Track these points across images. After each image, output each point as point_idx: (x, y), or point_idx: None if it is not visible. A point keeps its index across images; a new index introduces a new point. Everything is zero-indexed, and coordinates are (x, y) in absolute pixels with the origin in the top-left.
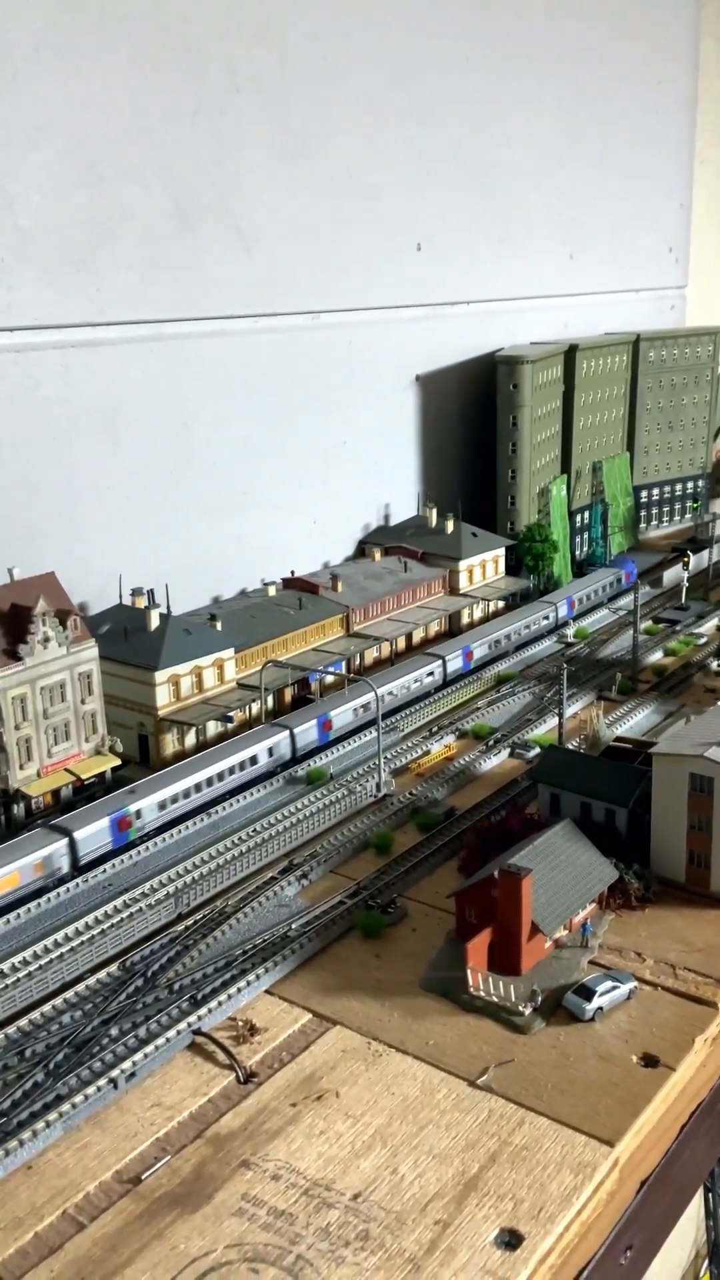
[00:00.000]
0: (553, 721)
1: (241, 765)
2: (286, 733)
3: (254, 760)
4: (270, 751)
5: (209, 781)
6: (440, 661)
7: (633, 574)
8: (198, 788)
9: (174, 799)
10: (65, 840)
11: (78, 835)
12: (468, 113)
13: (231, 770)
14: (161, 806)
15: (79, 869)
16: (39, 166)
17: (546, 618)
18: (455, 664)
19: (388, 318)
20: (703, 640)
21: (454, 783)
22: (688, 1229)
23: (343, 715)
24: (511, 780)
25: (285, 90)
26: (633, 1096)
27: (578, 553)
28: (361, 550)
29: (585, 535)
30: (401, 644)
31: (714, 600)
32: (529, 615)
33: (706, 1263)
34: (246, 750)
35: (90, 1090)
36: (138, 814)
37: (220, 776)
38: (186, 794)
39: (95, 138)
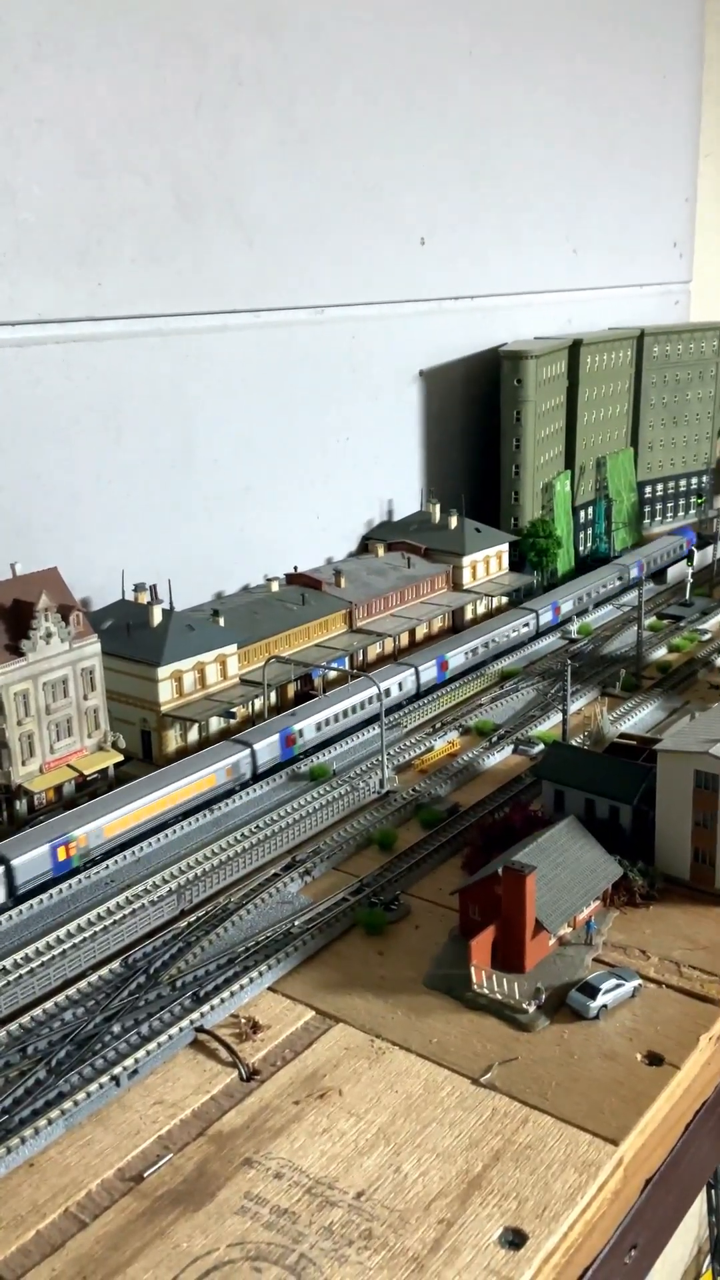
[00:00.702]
0: (556, 718)
1: (376, 697)
2: (412, 670)
3: (388, 693)
4: (400, 686)
5: (353, 709)
6: (534, 614)
7: (692, 540)
8: (345, 714)
9: (326, 722)
10: (248, 751)
11: (257, 747)
12: (472, 106)
13: (370, 700)
14: (319, 727)
15: (256, 776)
16: (41, 159)
17: (620, 578)
18: (546, 617)
19: (391, 312)
20: (707, 636)
21: (457, 779)
22: (690, 1225)
23: (456, 657)
24: (515, 777)
25: (288, 83)
26: (637, 1095)
27: (581, 548)
28: (364, 546)
29: (589, 531)
30: (405, 640)
31: (718, 596)
32: (605, 575)
33: (709, 1259)
34: (382, 683)
35: (92, 1087)
36: (300, 733)
37: (361, 705)
38: (336, 719)
39: (97, 131)
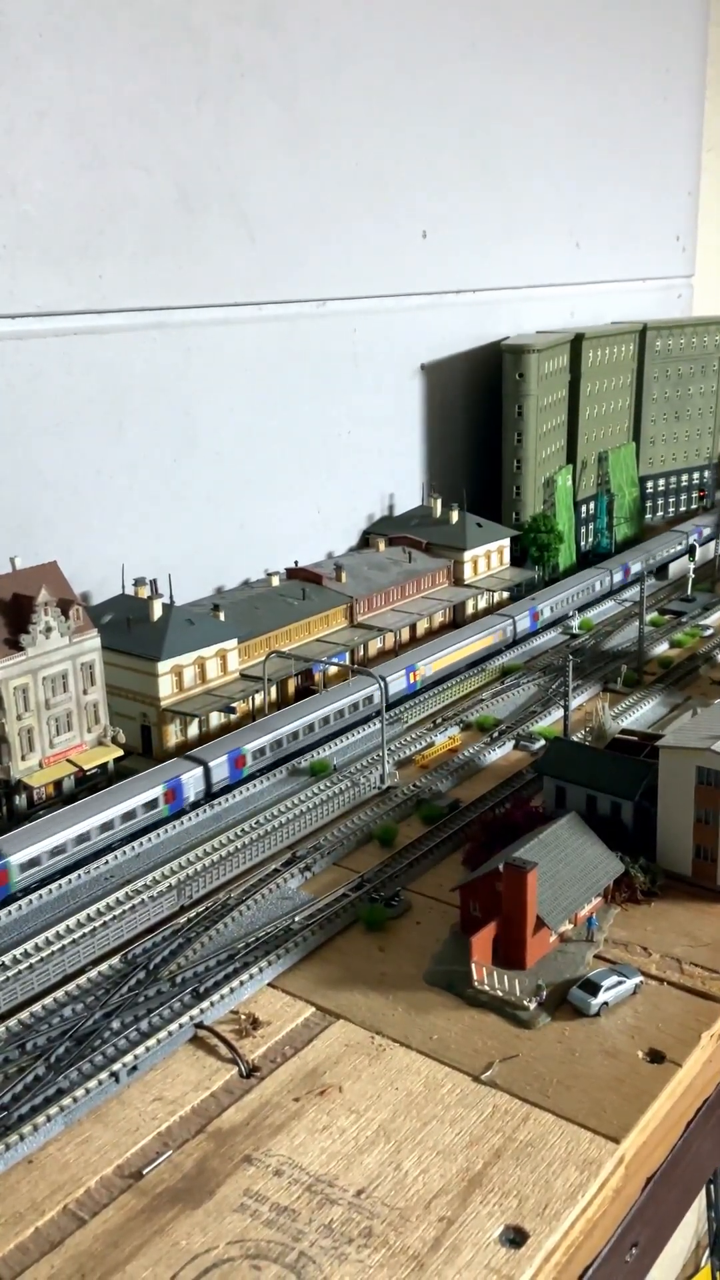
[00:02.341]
0: (558, 713)
1: (594, 590)
2: (605, 577)
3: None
4: (597, 586)
5: (568, 600)
6: (683, 538)
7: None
8: (577, 595)
9: (550, 609)
10: (511, 621)
11: (516, 618)
12: (474, 99)
13: (602, 583)
14: (553, 609)
15: (516, 640)
16: (42, 152)
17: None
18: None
19: (393, 306)
20: (709, 632)
21: (458, 775)
22: (689, 1219)
23: (616, 575)
24: (516, 773)
25: (290, 76)
26: (638, 1092)
27: (583, 543)
28: (365, 540)
29: (591, 526)
30: (405, 635)
31: None
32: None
33: (707, 1254)
34: (590, 580)
35: (91, 1084)
36: (540, 612)
37: (574, 597)
38: (552, 608)
39: (99, 123)
